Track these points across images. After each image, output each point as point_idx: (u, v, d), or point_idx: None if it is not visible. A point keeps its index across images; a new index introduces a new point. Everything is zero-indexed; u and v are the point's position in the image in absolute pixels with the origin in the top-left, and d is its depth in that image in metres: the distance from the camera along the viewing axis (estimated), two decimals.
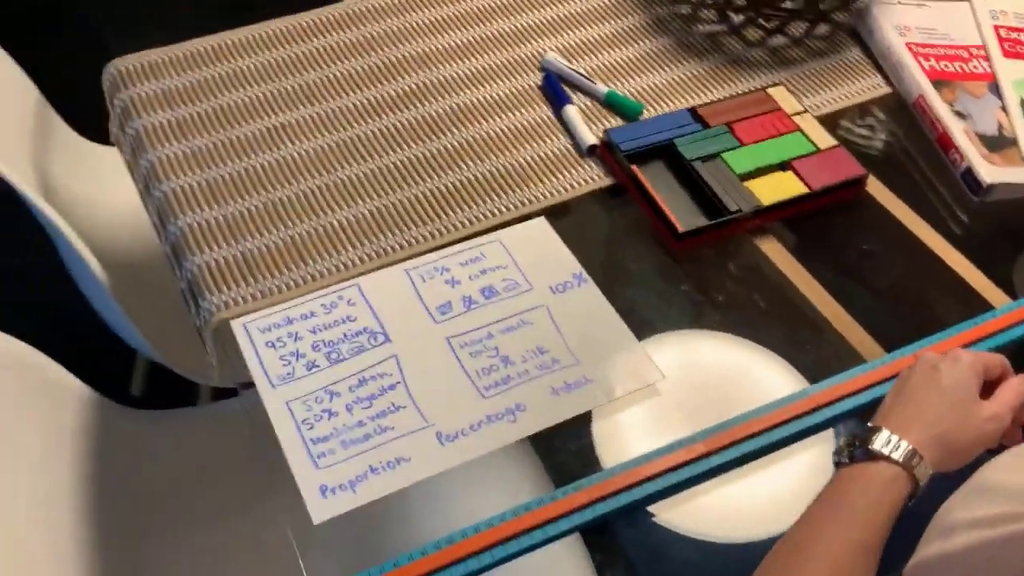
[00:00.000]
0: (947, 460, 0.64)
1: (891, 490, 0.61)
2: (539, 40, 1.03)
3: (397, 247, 0.83)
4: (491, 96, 0.96)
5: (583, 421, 0.73)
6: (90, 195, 1.15)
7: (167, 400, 1.08)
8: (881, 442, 0.63)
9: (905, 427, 0.64)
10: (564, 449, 0.73)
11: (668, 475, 0.69)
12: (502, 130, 0.93)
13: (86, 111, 1.22)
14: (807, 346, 0.79)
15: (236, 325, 0.76)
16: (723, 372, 0.79)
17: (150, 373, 1.48)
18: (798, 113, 0.95)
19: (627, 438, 0.73)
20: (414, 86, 0.97)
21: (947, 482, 0.55)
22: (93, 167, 1.18)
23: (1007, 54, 1.01)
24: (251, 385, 0.73)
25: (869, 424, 0.65)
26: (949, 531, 0.50)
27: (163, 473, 0.97)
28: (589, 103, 0.96)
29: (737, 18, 1.07)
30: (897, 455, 0.62)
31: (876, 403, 0.68)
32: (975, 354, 0.69)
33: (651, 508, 0.69)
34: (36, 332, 0.86)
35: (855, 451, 0.63)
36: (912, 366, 0.69)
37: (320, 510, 0.66)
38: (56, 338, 0.91)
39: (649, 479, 0.68)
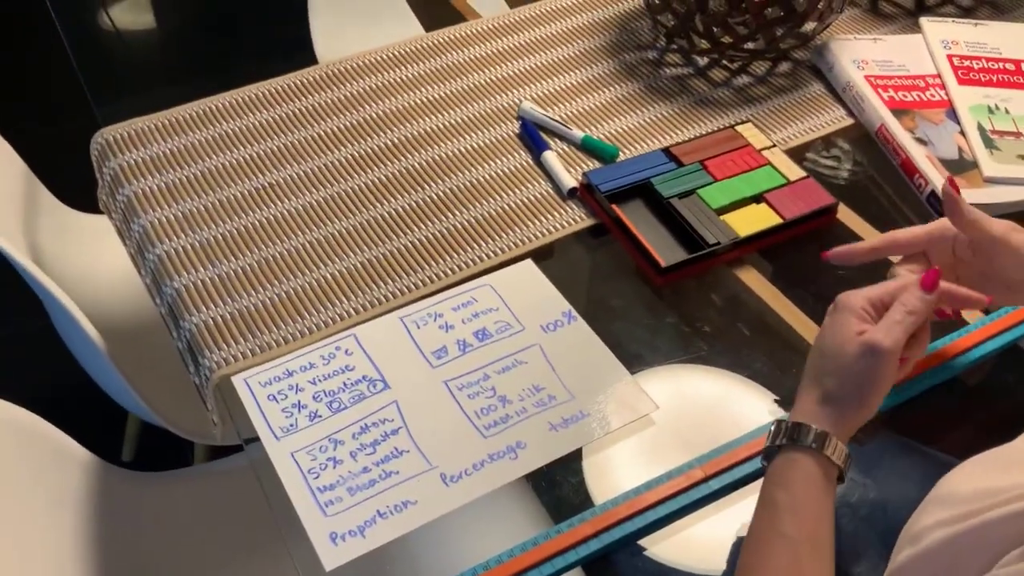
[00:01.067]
0: (844, 414, 0.61)
1: (797, 473, 0.59)
2: (514, 91, 1.06)
3: (390, 296, 0.85)
4: (471, 146, 0.99)
5: (576, 456, 0.75)
6: (79, 262, 1.16)
7: (158, 464, 1.08)
8: (773, 435, 0.62)
9: (796, 406, 0.63)
10: (562, 483, 0.75)
11: (669, 502, 0.71)
12: (484, 178, 0.96)
13: (70, 181, 1.24)
14: (791, 370, 0.82)
15: (237, 380, 0.78)
16: (710, 403, 0.81)
17: (139, 438, 1.48)
18: (767, 148, 0.98)
19: (616, 472, 0.75)
20: (396, 140, 1.00)
21: (911, 500, 0.57)
22: (80, 235, 1.19)
23: (961, 81, 1.06)
24: (254, 439, 0.75)
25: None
26: (916, 538, 0.52)
27: (172, 532, 0.97)
28: (566, 148, 1.00)
29: (702, 60, 1.12)
30: (782, 438, 0.61)
31: None
32: (855, 293, 0.64)
33: (643, 542, 0.70)
34: (24, 401, 0.86)
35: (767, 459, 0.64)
36: None
37: (331, 557, 0.67)
38: (41, 406, 0.92)
39: (650, 507, 0.70)
